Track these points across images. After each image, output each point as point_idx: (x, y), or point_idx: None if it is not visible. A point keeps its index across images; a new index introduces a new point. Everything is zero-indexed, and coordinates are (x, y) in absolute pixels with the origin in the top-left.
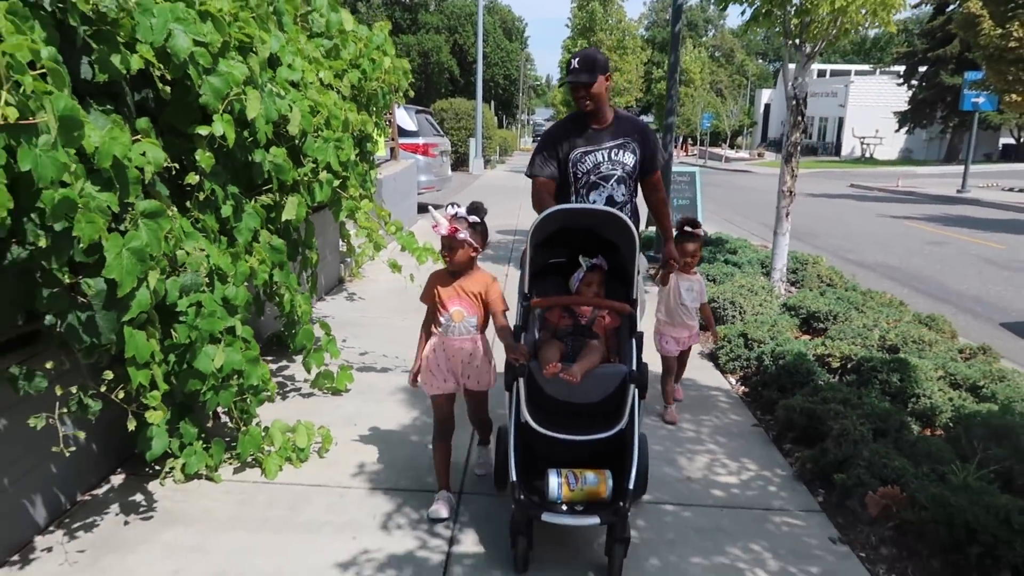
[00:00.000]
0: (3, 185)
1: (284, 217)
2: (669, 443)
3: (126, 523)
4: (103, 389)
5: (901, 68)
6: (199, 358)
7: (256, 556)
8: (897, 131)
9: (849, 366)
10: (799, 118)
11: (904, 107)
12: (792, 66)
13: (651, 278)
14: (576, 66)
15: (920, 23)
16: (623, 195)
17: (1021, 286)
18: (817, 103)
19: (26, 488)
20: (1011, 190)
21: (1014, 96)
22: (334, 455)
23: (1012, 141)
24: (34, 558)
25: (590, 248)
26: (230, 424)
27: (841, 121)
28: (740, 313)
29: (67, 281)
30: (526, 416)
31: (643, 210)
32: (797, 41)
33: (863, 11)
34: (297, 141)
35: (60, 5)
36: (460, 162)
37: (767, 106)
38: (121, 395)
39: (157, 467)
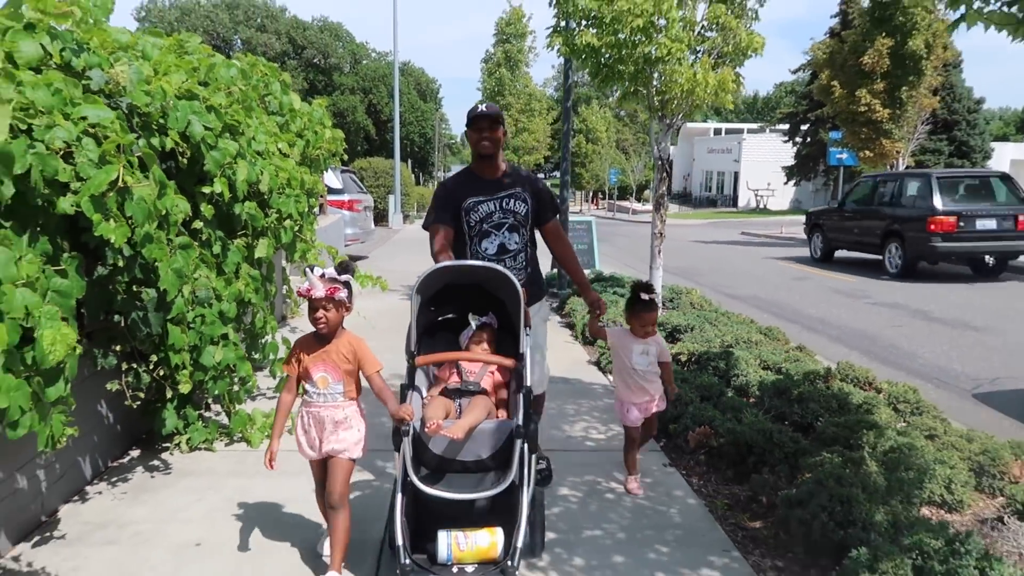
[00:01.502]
0: (124, 225)
1: (257, 255)
2: (558, 420)
3: (152, 476)
4: (151, 367)
5: (787, 126)
6: (204, 355)
7: (255, 488)
8: (786, 183)
9: (693, 359)
10: (663, 175)
11: (791, 162)
12: (656, 134)
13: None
14: (483, 109)
15: (801, 85)
16: (516, 243)
17: (858, 310)
18: (714, 159)
19: (78, 450)
20: None
21: (867, 152)
22: None
23: None
24: (89, 498)
25: (479, 304)
26: (221, 410)
27: (736, 175)
28: None
29: (133, 290)
30: (412, 477)
31: (550, 257)
32: (660, 114)
33: (708, 92)
34: (266, 196)
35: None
36: (380, 217)
37: (670, 161)
38: (162, 372)
39: (166, 444)
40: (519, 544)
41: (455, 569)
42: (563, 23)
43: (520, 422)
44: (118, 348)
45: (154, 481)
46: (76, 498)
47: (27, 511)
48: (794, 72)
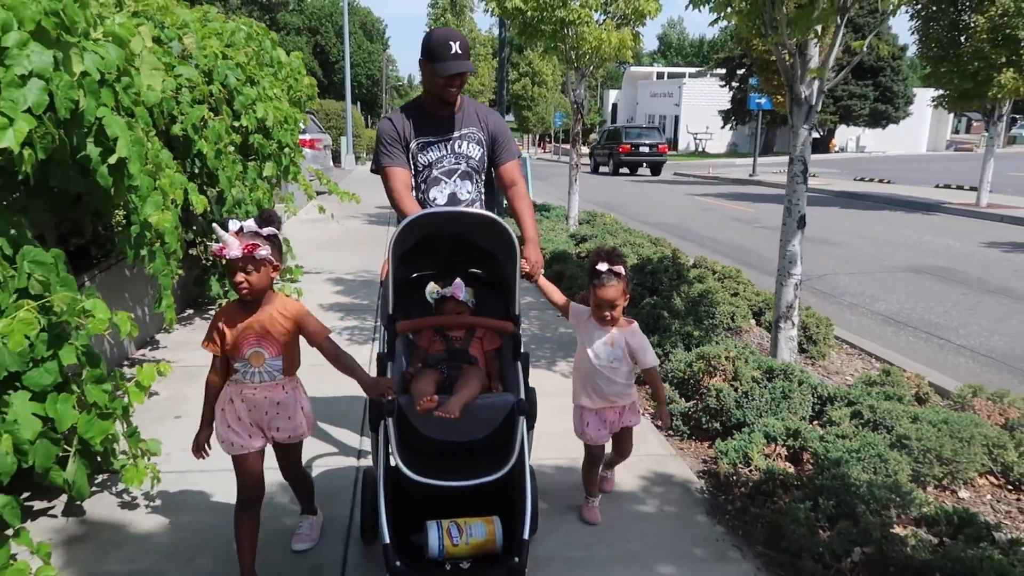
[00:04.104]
0: (210, 144)
1: (265, 173)
2: None
3: (206, 323)
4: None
5: (724, 71)
6: None
7: None
8: (723, 127)
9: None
10: (579, 116)
11: (727, 106)
12: (572, 82)
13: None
14: (459, 51)
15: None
16: (468, 192)
17: (746, 232)
18: (657, 102)
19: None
20: None
21: (779, 98)
22: None
23: (817, 135)
24: (170, 333)
25: (464, 258)
26: None
27: (677, 119)
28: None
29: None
30: (398, 462)
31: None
32: (575, 66)
33: (612, 49)
34: (270, 129)
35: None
36: (334, 158)
37: (615, 105)
38: None
39: (210, 306)
40: (525, 535)
41: (448, 566)
42: None
43: (523, 395)
44: (193, 229)
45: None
46: (163, 331)
47: (142, 333)
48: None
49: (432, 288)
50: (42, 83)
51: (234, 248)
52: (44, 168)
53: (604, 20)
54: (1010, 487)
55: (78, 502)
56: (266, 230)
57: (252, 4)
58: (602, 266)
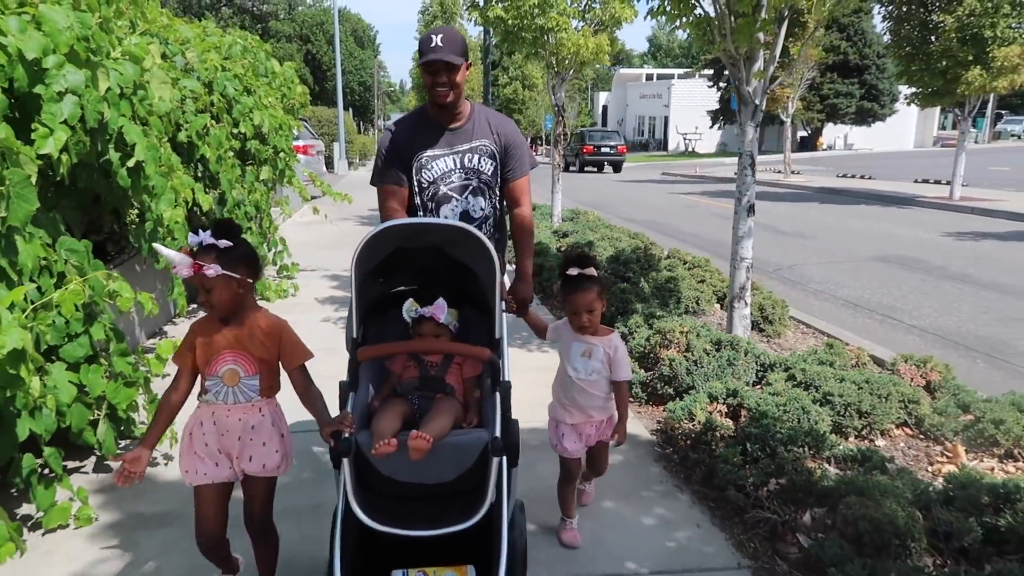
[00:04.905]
0: (213, 148)
1: (262, 177)
2: None
3: None
4: None
5: (711, 72)
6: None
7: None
8: (711, 127)
9: (566, 247)
10: (560, 118)
11: (716, 107)
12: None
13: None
14: (439, 43)
15: None
16: (482, 209)
17: (726, 228)
18: (646, 104)
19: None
20: (778, 172)
21: None
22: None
23: (804, 134)
24: (178, 323)
25: (444, 274)
26: None
27: (667, 120)
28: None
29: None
30: (355, 507)
31: None
32: (556, 70)
33: (589, 53)
34: (266, 135)
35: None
36: (327, 163)
37: (604, 107)
38: None
39: None
40: None
41: None
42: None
43: (497, 432)
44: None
45: None
46: (170, 323)
47: (151, 324)
48: None
49: (410, 306)
50: (76, 98)
51: (183, 267)
52: (74, 171)
53: (582, 27)
54: (921, 436)
55: (106, 461)
56: (222, 243)
57: (244, 13)
58: (572, 271)
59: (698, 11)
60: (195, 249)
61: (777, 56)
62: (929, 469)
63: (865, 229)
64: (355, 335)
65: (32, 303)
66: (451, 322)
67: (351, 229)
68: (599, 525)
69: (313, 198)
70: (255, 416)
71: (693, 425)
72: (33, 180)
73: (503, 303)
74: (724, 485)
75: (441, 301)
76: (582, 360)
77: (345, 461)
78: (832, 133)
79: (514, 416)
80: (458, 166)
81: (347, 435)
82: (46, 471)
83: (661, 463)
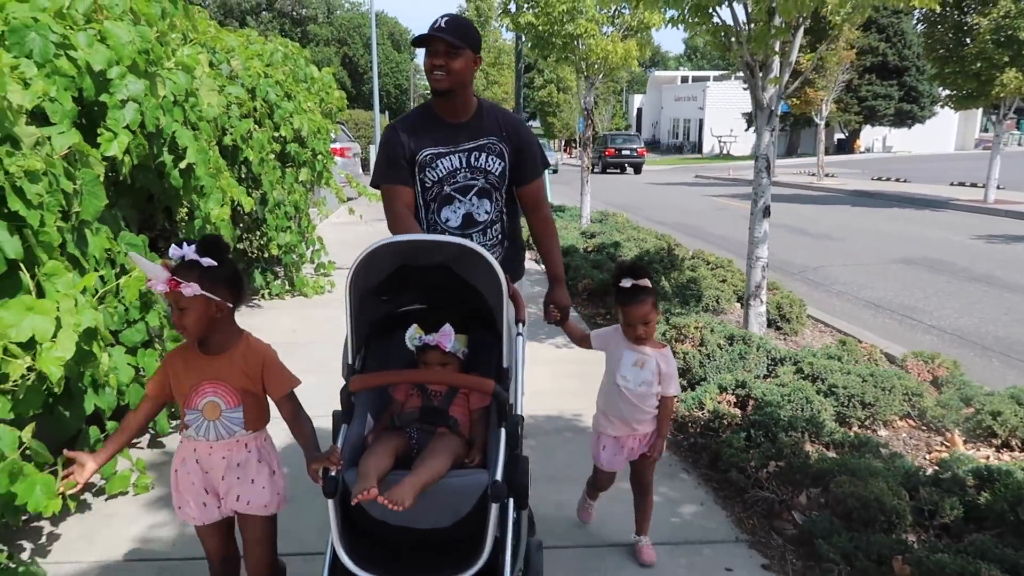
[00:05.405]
0: (256, 151)
1: (301, 178)
2: None
3: (251, 309)
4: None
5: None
6: (279, 236)
7: (313, 315)
8: (746, 130)
9: (595, 248)
10: (589, 121)
11: (750, 109)
12: (583, 89)
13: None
14: (443, 24)
15: None
16: (487, 212)
17: None
18: (681, 106)
19: None
20: (811, 175)
21: (794, 100)
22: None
23: (843, 136)
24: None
25: (451, 294)
26: (283, 276)
27: (701, 122)
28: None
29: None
30: (341, 554)
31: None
32: (585, 75)
33: (618, 58)
34: (305, 139)
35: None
36: (364, 166)
37: (639, 110)
38: (258, 243)
39: (256, 298)
40: None
41: None
42: (511, 6)
43: (499, 475)
44: (240, 226)
45: (253, 311)
46: None
47: None
48: None
49: (413, 333)
50: (136, 105)
51: (158, 281)
52: (133, 172)
53: (611, 32)
54: (923, 428)
55: (160, 439)
56: (205, 260)
57: (284, 17)
58: (626, 282)
59: (715, 19)
60: (175, 263)
61: (793, 62)
62: (927, 457)
63: (895, 232)
64: (351, 360)
65: (97, 291)
66: (459, 349)
67: (385, 229)
68: (611, 501)
69: (349, 199)
70: (240, 453)
71: (703, 413)
72: (100, 179)
73: (519, 325)
74: (727, 467)
75: (447, 328)
76: (634, 370)
77: (331, 502)
78: (870, 135)
79: (528, 408)
80: (464, 165)
81: (333, 473)
82: None
83: (671, 448)
